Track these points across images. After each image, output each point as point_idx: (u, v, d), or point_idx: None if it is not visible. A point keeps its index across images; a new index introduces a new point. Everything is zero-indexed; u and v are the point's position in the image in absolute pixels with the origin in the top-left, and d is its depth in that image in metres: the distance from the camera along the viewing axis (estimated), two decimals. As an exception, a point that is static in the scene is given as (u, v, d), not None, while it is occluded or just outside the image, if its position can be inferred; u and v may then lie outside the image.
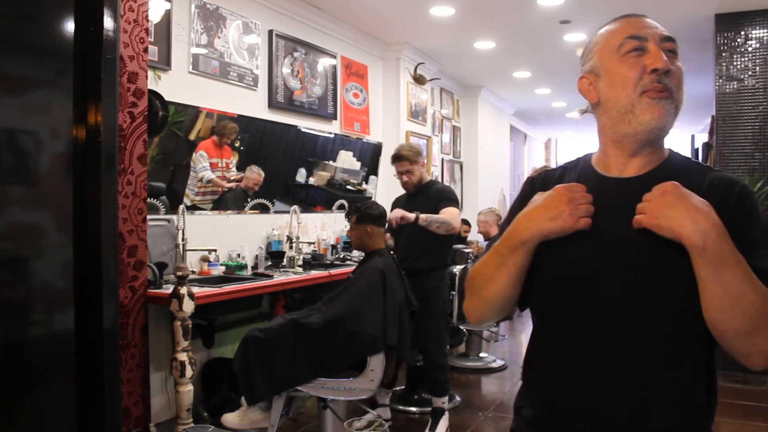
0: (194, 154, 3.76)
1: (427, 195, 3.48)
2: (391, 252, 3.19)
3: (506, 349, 5.54)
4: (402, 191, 3.73)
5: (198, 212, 3.82)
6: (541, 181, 1.23)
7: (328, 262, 4.33)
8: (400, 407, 3.70)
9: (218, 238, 3.86)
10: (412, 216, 3.26)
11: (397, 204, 3.87)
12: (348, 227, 3.16)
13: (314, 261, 4.24)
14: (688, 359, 1.05)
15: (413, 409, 3.72)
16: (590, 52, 1.20)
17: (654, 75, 1.08)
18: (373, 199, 5.51)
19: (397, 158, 3.58)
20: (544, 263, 1.12)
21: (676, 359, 1.05)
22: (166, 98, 3.37)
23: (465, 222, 5.85)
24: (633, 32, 1.11)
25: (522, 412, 1.20)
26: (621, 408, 1.05)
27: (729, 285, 0.95)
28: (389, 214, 3.30)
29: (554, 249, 1.09)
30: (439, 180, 6.66)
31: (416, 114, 6.13)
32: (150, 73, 3.18)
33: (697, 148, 7.03)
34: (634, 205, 1.04)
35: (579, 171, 1.20)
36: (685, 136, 11.75)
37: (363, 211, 3.00)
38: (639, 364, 1.05)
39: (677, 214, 0.97)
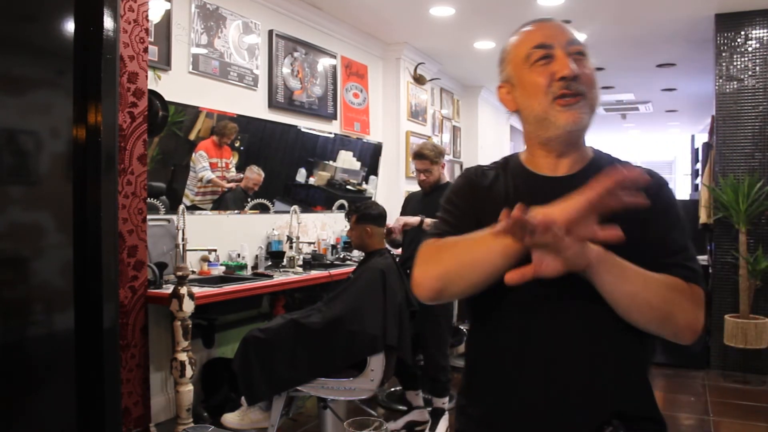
0: (194, 154, 3.76)
1: (441, 196, 3.49)
2: (390, 252, 3.19)
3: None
4: (415, 189, 3.74)
5: (198, 212, 3.82)
6: (475, 173, 1.27)
7: (328, 262, 4.33)
8: (401, 407, 3.70)
9: (218, 238, 3.86)
10: (416, 220, 3.27)
11: (409, 201, 3.87)
12: (348, 227, 3.16)
13: (314, 261, 4.24)
14: (630, 352, 1.12)
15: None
16: (503, 61, 1.24)
17: (562, 82, 1.11)
18: (373, 199, 5.51)
19: (418, 156, 3.57)
20: None
21: (619, 353, 1.11)
22: (166, 98, 3.37)
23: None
24: (539, 41, 1.16)
25: (466, 412, 1.22)
26: (567, 403, 1.10)
27: (621, 289, 1.02)
28: (391, 223, 3.31)
29: None
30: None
31: (416, 114, 6.13)
32: (150, 73, 3.18)
33: (697, 148, 7.03)
34: None
35: (515, 172, 1.23)
36: (685, 136, 11.76)
37: (363, 211, 3.01)
38: (582, 359, 1.10)
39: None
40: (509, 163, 1.25)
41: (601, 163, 1.18)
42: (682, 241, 1.14)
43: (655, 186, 1.14)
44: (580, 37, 1.19)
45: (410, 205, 3.80)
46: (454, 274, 1.10)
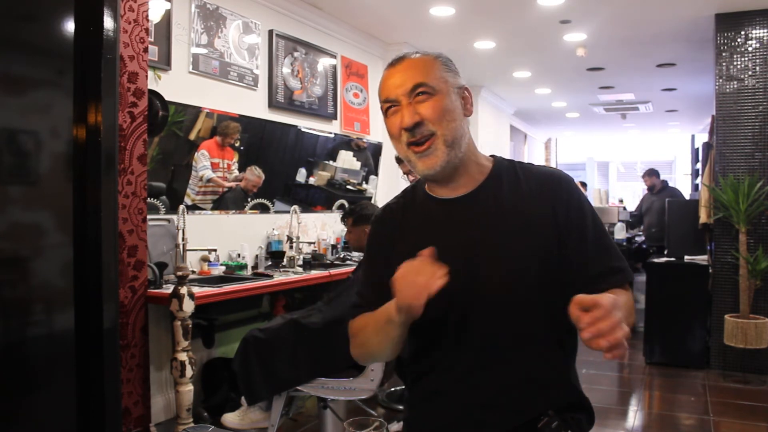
0: (196, 153, 3.76)
1: None
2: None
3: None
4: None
5: (198, 212, 3.82)
6: (389, 211, 1.35)
7: (328, 262, 4.33)
8: (401, 407, 3.70)
9: (218, 238, 3.86)
10: None
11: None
12: (346, 230, 3.16)
13: (314, 261, 4.23)
14: (555, 352, 1.21)
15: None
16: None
17: (407, 132, 1.20)
18: (373, 199, 5.51)
19: (399, 160, 3.61)
20: None
21: (545, 354, 1.20)
22: (166, 98, 3.37)
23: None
24: (385, 95, 1.23)
25: (408, 422, 1.32)
26: (501, 403, 1.18)
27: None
28: None
29: None
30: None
31: (416, 114, 6.13)
32: (150, 73, 3.18)
33: (697, 148, 7.02)
34: (477, 216, 1.21)
35: (420, 199, 1.31)
36: (686, 136, 11.76)
37: (359, 213, 3.02)
38: (512, 359, 1.20)
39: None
40: (416, 191, 1.34)
41: (498, 176, 1.26)
42: (603, 240, 1.23)
43: (563, 193, 1.23)
44: (440, 73, 1.21)
45: None
46: (369, 356, 1.40)
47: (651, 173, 7.26)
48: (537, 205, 1.21)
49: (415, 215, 1.30)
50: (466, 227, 1.22)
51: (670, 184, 7.95)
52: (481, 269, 1.19)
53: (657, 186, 7.03)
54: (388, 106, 1.22)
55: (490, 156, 1.32)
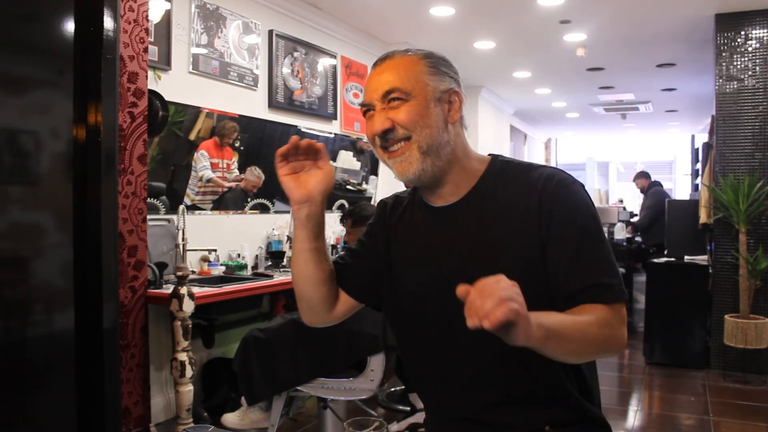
0: (195, 154, 3.76)
1: None
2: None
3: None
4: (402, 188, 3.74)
5: (198, 212, 3.82)
6: (391, 204, 1.34)
7: (328, 262, 4.32)
8: (401, 407, 3.70)
9: (218, 238, 3.86)
10: None
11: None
12: (345, 232, 3.16)
13: (314, 261, 4.23)
14: (546, 365, 1.10)
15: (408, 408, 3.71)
16: None
17: (379, 138, 1.16)
18: (373, 199, 5.51)
19: None
20: (398, 289, 1.24)
21: (538, 365, 1.09)
22: (166, 98, 3.37)
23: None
24: (363, 99, 1.20)
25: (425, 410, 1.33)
26: (498, 416, 1.15)
27: (563, 349, 1.01)
28: None
29: (404, 276, 1.23)
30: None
31: (416, 114, 6.13)
32: (150, 73, 3.18)
33: (697, 148, 7.03)
34: (459, 229, 1.17)
35: (417, 203, 1.28)
36: (685, 136, 11.76)
37: (357, 214, 3.02)
38: (504, 372, 1.14)
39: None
40: (416, 192, 1.29)
41: (488, 183, 1.19)
42: (596, 253, 1.10)
43: (548, 197, 1.12)
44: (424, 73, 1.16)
45: None
46: (297, 291, 1.28)
47: (641, 176, 7.31)
48: (523, 214, 1.12)
49: (409, 217, 1.28)
50: (450, 238, 1.18)
51: (670, 185, 7.96)
52: (461, 282, 1.14)
53: (646, 187, 7.10)
54: (365, 109, 1.19)
55: (489, 155, 1.25)
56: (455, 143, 1.17)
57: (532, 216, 1.11)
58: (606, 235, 1.21)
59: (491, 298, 0.82)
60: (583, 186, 1.17)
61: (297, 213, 1.20)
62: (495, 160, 1.23)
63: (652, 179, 7.29)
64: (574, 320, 1.03)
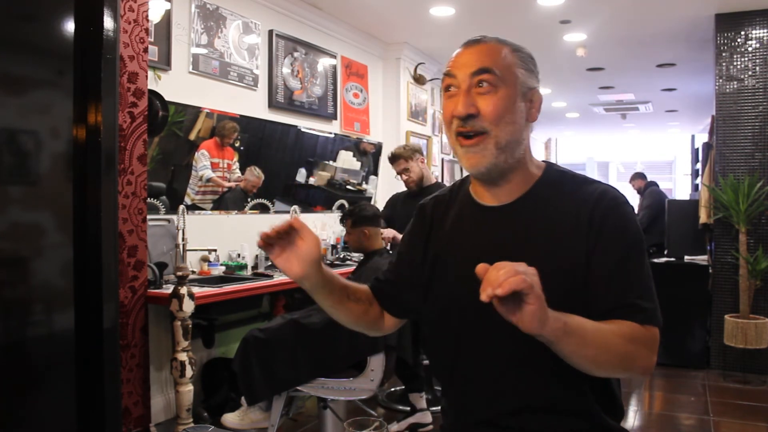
0: (196, 153, 3.76)
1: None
2: (389, 252, 3.19)
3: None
4: (402, 188, 3.75)
5: (198, 212, 3.82)
6: (432, 204, 1.30)
7: (328, 262, 4.33)
8: (401, 407, 3.70)
9: (218, 238, 3.86)
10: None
11: (394, 202, 3.88)
12: (345, 232, 3.16)
13: (314, 261, 4.23)
14: (573, 376, 1.07)
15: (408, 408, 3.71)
16: None
17: (458, 120, 1.10)
18: (373, 199, 5.51)
19: (392, 159, 3.62)
20: (436, 285, 1.21)
21: (562, 375, 1.08)
22: (166, 98, 3.37)
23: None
24: (448, 68, 1.13)
25: (445, 414, 1.30)
26: (511, 420, 1.13)
27: (582, 353, 0.99)
28: (385, 232, 3.33)
29: (445, 272, 1.20)
30: (441, 182, 6.66)
31: (416, 114, 6.13)
32: (150, 73, 3.18)
33: (697, 148, 7.03)
34: (507, 231, 1.14)
35: (463, 201, 1.24)
36: (685, 136, 11.76)
37: (358, 214, 3.02)
38: (527, 380, 1.11)
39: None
40: (462, 189, 1.27)
41: (543, 189, 1.16)
42: (637, 275, 1.08)
43: (599, 213, 1.10)
44: (513, 58, 1.12)
45: (397, 208, 3.82)
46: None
47: (637, 176, 7.32)
48: (573, 226, 1.10)
49: (453, 213, 1.24)
50: (496, 239, 1.15)
51: (670, 185, 7.99)
52: None
53: (643, 188, 7.11)
54: (448, 84, 1.12)
55: (544, 162, 1.22)
56: (527, 144, 1.15)
57: (581, 228, 1.09)
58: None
59: (505, 270, 0.84)
60: (633, 208, 1.17)
61: (301, 286, 1.18)
62: (551, 167, 1.21)
63: (648, 179, 7.30)
64: (598, 326, 1.01)
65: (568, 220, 1.11)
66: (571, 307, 1.04)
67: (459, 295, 1.16)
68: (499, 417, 1.15)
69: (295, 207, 4.28)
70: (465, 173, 1.28)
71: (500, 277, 0.84)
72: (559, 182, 1.17)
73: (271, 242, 1.12)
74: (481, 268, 0.88)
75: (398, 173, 3.62)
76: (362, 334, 2.66)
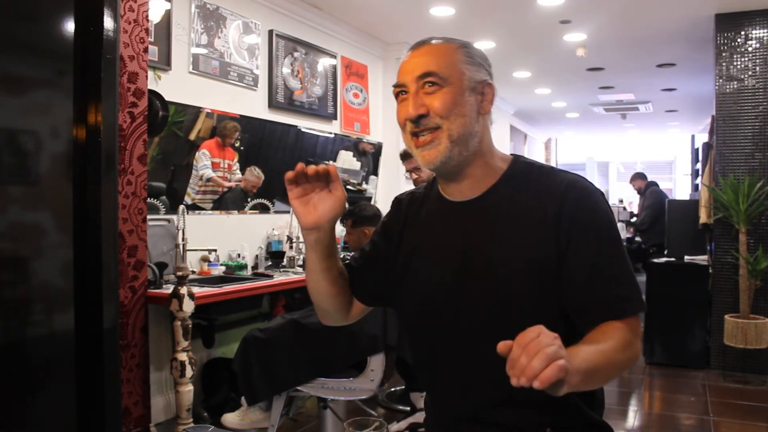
0: (197, 153, 3.76)
1: None
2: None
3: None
4: (406, 188, 3.74)
5: (198, 212, 3.82)
6: (407, 200, 1.32)
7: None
8: (401, 407, 3.70)
9: (218, 238, 3.86)
10: None
11: (399, 203, 3.87)
12: (345, 232, 3.16)
13: (314, 261, 4.23)
14: None
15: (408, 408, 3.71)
16: None
17: (411, 123, 1.14)
18: (373, 199, 5.51)
19: (404, 156, 3.58)
20: (410, 283, 1.23)
21: None
22: (166, 98, 3.37)
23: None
24: (397, 79, 1.17)
25: (428, 408, 1.33)
26: (492, 414, 1.14)
27: (593, 384, 1.04)
28: None
29: (417, 270, 1.22)
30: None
31: (416, 114, 6.13)
32: (150, 73, 3.18)
33: (697, 148, 7.03)
34: (475, 226, 1.15)
35: (434, 197, 1.27)
36: (685, 136, 11.76)
37: (358, 214, 3.02)
38: (507, 374, 1.09)
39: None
40: (434, 186, 1.29)
41: (509, 183, 1.17)
42: (614, 265, 1.10)
43: (569, 206, 1.10)
44: (458, 58, 1.15)
45: None
46: (316, 304, 1.31)
47: (637, 177, 7.32)
48: (541, 218, 1.11)
49: (425, 211, 1.27)
50: (464, 235, 1.16)
51: (670, 185, 8.01)
52: (472, 280, 1.14)
53: (643, 188, 7.12)
54: (398, 91, 1.16)
55: (511, 155, 1.23)
56: (483, 136, 1.17)
57: (550, 220, 1.10)
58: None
59: (539, 357, 0.81)
60: (603, 194, 1.17)
61: (306, 237, 1.19)
62: (517, 160, 1.22)
63: (649, 179, 7.30)
64: (601, 351, 1.00)
65: (535, 213, 1.12)
66: (543, 300, 1.08)
67: (433, 292, 1.18)
68: (480, 412, 1.16)
69: (295, 207, 4.27)
70: None
71: (535, 366, 0.81)
72: (526, 175, 1.18)
73: (299, 181, 1.13)
74: (503, 346, 0.85)
75: (408, 171, 3.60)
76: (362, 334, 2.67)
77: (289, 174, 1.12)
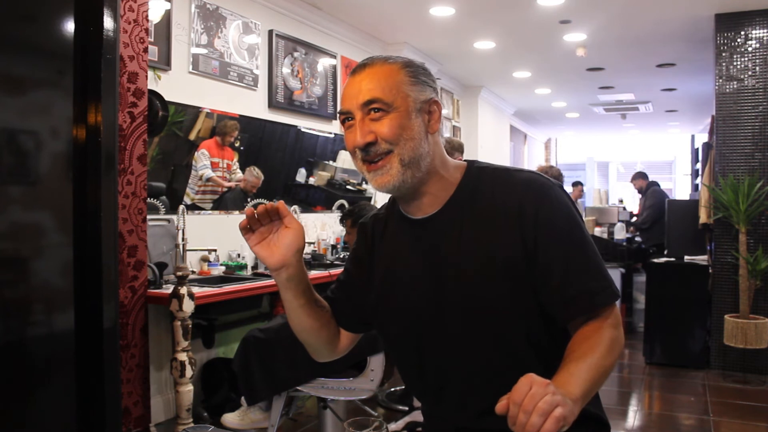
0: (196, 153, 3.76)
1: None
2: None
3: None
4: None
5: (198, 212, 3.82)
6: (371, 223, 1.33)
7: (328, 262, 4.33)
8: (401, 407, 3.70)
9: (218, 238, 3.86)
10: None
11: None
12: (345, 232, 3.16)
13: (314, 261, 4.23)
14: (538, 371, 1.05)
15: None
16: None
17: (360, 150, 1.12)
18: (373, 199, 5.51)
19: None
20: (385, 304, 1.24)
21: (517, 368, 1.06)
22: (166, 98, 3.37)
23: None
24: (342, 106, 1.16)
25: (424, 416, 1.34)
26: (482, 423, 1.14)
27: (593, 394, 1.02)
28: None
29: (390, 291, 1.22)
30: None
31: (416, 114, 6.13)
32: (150, 73, 3.18)
33: (697, 148, 7.03)
34: (441, 240, 1.16)
35: (396, 216, 1.27)
36: (685, 136, 11.76)
37: (357, 214, 3.02)
38: (495, 381, 1.10)
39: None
40: (394, 206, 1.28)
41: (464, 194, 1.17)
42: (582, 257, 1.11)
43: (530, 204, 1.11)
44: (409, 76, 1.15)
45: None
46: (302, 341, 1.32)
47: (638, 176, 7.31)
48: (503, 219, 1.12)
49: (390, 232, 1.27)
50: (431, 249, 1.17)
51: (670, 185, 8.01)
52: (448, 292, 1.14)
53: (644, 188, 7.11)
54: (344, 118, 1.15)
55: (465, 162, 1.23)
56: (434, 153, 1.16)
57: (512, 218, 1.11)
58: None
59: (536, 413, 0.83)
60: (561, 187, 1.17)
61: (277, 278, 1.18)
62: (471, 166, 1.22)
63: (650, 179, 7.30)
64: (591, 366, 1.01)
65: (497, 216, 1.12)
66: (519, 297, 1.09)
67: (411, 311, 1.19)
68: (471, 420, 1.16)
69: (295, 207, 4.28)
70: None
71: (534, 423, 0.83)
72: (481, 179, 1.18)
73: (253, 226, 1.14)
74: (501, 406, 0.87)
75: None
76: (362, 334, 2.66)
77: (242, 222, 1.13)
